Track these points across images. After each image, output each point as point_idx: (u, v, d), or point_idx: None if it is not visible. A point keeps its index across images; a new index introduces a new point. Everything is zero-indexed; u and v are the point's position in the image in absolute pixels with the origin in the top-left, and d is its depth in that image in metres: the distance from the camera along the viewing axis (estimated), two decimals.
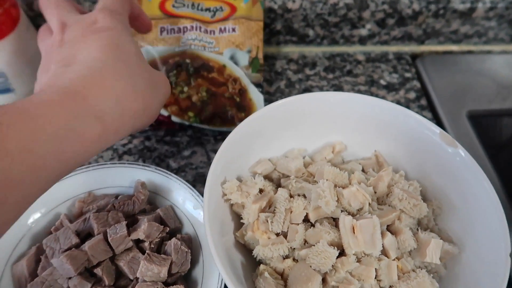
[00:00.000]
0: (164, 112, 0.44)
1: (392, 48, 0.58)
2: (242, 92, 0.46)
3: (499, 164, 0.46)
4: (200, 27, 0.47)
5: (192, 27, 0.47)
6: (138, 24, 0.38)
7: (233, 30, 0.47)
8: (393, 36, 0.56)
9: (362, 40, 0.57)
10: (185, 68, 0.46)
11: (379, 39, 0.57)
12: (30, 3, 0.49)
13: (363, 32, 0.55)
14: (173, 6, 0.48)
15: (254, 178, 0.35)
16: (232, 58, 0.47)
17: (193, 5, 0.48)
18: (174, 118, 0.44)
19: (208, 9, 0.48)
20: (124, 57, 0.30)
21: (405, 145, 0.38)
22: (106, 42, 0.30)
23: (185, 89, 0.45)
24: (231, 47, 0.47)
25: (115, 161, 0.38)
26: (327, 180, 0.33)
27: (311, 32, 0.55)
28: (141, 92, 0.30)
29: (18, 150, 0.22)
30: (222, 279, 0.32)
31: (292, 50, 0.57)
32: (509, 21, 0.56)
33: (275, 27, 0.54)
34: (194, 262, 0.34)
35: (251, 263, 0.33)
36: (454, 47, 0.59)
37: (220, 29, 0.47)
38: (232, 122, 0.45)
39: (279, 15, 0.52)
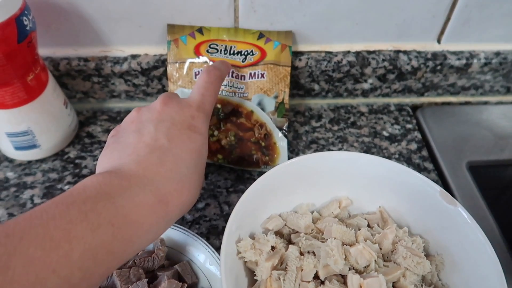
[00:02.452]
0: None
1: (393, 100, 0.61)
2: (267, 136, 0.50)
3: (499, 214, 0.48)
4: (232, 73, 0.51)
5: None
6: None
7: (262, 76, 0.51)
8: (394, 89, 0.60)
9: (365, 93, 0.60)
10: (216, 113, 0.50)
11: (380, 92, 0.60)
12: (57, 64, 0.53)
13: (365, 86, 0.59)
14: (207, 51, 0.52)
15: (267, 235, 0.37)
16: (260, 104, 0.51)
17: (225, 48, 0.52)
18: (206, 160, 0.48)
19: (239, 52, 0.52)
20: (199, 166, 0.35)
21: (408, 201, 0.40)
22: (196, 146, 0.34)
23: (215, 133, 0.49)
24: (259, 93, 0.51)
25: None
26: (335, 238, 0.35)
27: (316, 87, 0.58)
28: (195, 197, 0.34)
29: (120, 251, 0.27)
30: None
31: (299, 102, 0.60)
32: (503, 75, 0.59)
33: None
34: None
35: None
36: (452, 98, 0.62)
37: (250, 74, 0.51)
38: (257, 165, 0.50)
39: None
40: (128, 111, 0.57)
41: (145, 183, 0.30)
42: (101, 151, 0.53)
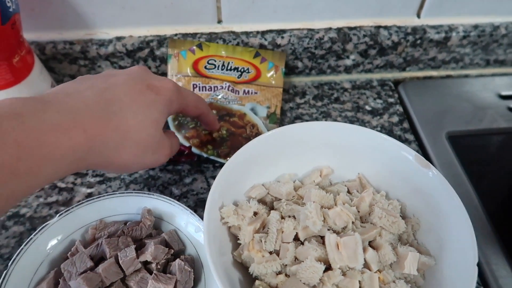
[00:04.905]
0: (186, 143, 0.49)
1: (376, 76, 0.62)
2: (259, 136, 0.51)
3: (477, 181, 0.49)
4: (228, 86, 0.54)
5: (222, 87, 0.54)
6: (204, 121, 0.45)
7: (255, 93, 0.54)
8: (376, 65, 0.61)
9: (348, 69, 0.61)
10: None
11: (363, 68, 0.61)
12: (43, 48, 0.53)
13: (348, 62, 0.60)
14: (205, 67, 0.54)
15: (249, 202, 0.39)
16: (253, 109, 0.53)
17: (223, 64, 0.55)
18: (194, 150, 0.49)
19: (236, 69, 0.55)
20: (141, 116, 0.33)
21: (386, 167, 0.42)
22: (143, 98, 0.33)
23: None
24: (252, 102, 0.54)
25: (123, 191, 0.42)
26: (314, 202, 0.37)
27: (300, 64, 0.59)
28: (129, 141, 0.32)
29: (27, 174, 0.25)
30: None
31: (284, 80, 0.61)
32: (482, 47, 0.60)
33: None
34: (196, 280, 0.38)
35: (248, 280, 0.36)
36: (433, 73, 0.64)
37: (244, 91, 0.54)
38: None
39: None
40: None
41: (64, 109, 0.28)
42: None
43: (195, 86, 0.54)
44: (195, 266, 0.38)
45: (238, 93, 0.54)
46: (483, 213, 0.47)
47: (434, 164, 0.51)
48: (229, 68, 0.55)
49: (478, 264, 0.42)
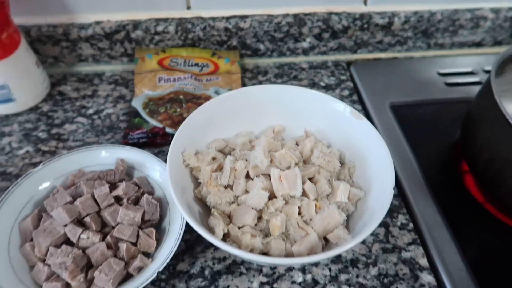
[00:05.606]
0: (159, 125, 0.55)
1: (331, 57, 0.70)
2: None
3: (414, 143, 0.56)
4: (191, 76, 0.61)
5: (184, 77, 0.60)
6: None
7: (217, 78, 0.62)
8: (330, 47, 0.68)
9: (305, 52, 0.68)
10: (179, 100, 0.58)
11: (319, 50, 0.69)
12: (28, 30, 0.59)
13: (305, 45, 0.67)
14: (169, 64, 0.62)
15: (209, 150, 0.45)
16: (216, 93, 0.60)
17: (185, 62, 0.63)
18: (168, 129, 0.54)
19: (196, 64, 0.63)
20: None
21: (328, 123, 0.48)
22: None
23: (178, 110, 0.57)
24: (215, 86, 0.60)
25: (101, 144, 0.47)
26: (262, 146, 0.43)
27: (261, 46, 0.66)
28: None
29: None
30: (182, 226, 0.40)
31: (248, 62, 0.68)
32: (422, 31, 0.68)
33: (232, 43, 0.65)
34: (163, 216, 0.43)
35: (207, 212, 0.42)
36: (382, 55, 0.71)
37: (207, 79, 0.61)
38: None
39: (234, 33, 0.64)
40: (95, 74, 0.65)
41: None
42: (72, 106, 0.60)
43: (160, 78, 0.60)
44: (162, 204, 0.44)
45: (202, 81, 0.61)
46: (417, 168, 0.53)
47: (378, 128, 0.58)
48: (190, 64, 0.63)
49: (409, 205, 0.48)
